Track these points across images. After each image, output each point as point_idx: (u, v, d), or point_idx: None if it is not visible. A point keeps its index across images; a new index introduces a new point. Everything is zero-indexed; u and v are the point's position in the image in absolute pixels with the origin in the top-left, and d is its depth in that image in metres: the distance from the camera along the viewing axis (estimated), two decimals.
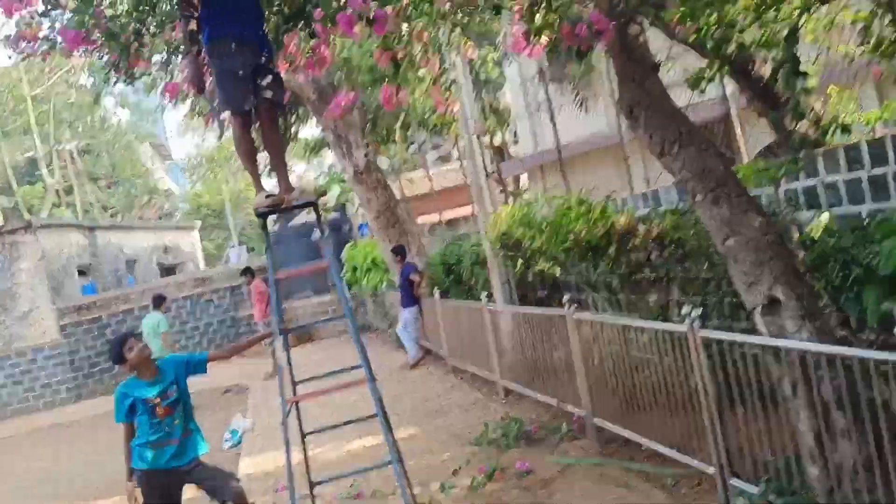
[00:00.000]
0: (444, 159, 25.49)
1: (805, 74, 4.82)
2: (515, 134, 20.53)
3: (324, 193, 5.64)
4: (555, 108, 12.85)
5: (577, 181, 11.83)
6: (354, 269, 17.41)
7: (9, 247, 17.75)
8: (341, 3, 4.45)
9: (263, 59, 4.76)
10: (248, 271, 14.73)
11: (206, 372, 4.74)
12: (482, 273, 9.23)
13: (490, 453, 6.17)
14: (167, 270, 24.83)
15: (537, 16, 5.40)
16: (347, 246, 18.13)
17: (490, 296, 8.52)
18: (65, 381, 17.37)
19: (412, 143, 16.80)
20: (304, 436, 5.02)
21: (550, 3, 4.93)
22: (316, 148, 16.56)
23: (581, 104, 12.72)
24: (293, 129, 15.10)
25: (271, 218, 6.26)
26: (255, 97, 4.67)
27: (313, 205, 4.97)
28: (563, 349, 6.27)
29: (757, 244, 3.66)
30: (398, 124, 12.49)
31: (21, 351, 17.53)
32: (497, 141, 21.06)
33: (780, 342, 3.51)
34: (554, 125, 10.40)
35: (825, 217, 4.45)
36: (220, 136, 16.65)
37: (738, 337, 3.87)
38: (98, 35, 4.46)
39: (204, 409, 10.60)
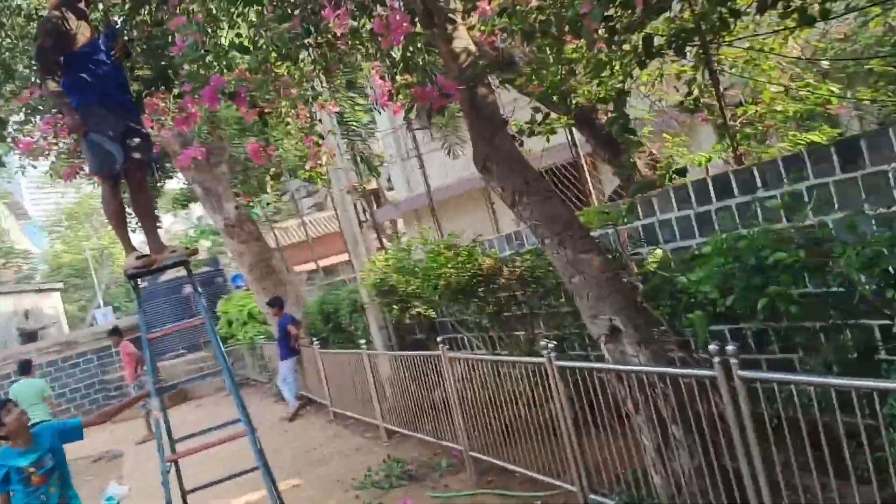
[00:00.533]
0: (319, 207, 25.56)
1: (633, 131, 5.40)
2: (389, 179, 20.96)
3: (195, 252, 5.66)
4: (423, 154, 13.32)
5: (449, 224, 12.28)
6: (230, 322, 17.15)
7: None
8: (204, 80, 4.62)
9: (130, 121, 4.87)
10: (115, 331, 14.25)
11: (82, 438, 4.69)
12: (360, 319, 9.44)
13: (374, 495, 6.33)
14: (29, 336, 23.40)
15: (397, 76, 5.79)
16: (222, 299, 17.84)
17: (369, 341, 8.72)
18: None
19: (285, 192, 16.84)
20: (185, 494, 5.02)
21: (408, 65, 5.32)
22: (184, 201, 16.31)
23: (448, 150, 13.26)
24: (160, 183, 14.84)
25: None
26: (123, 159, 4.76)
27: (185, 263, 5.06)
28: (440, 388, 6.56)
29: (598, 281, 4.10)
30: (269, 175, 12.56)
31: None
32: (372, 185, 21.41)
33: (621, 367, 3.94)
34: (423, 171, 10.80)
35: (658, 253, 4.98)
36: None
37: (587, 364, 4.29)
38: None
39: (77, 476, 10.11)
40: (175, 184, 16.93)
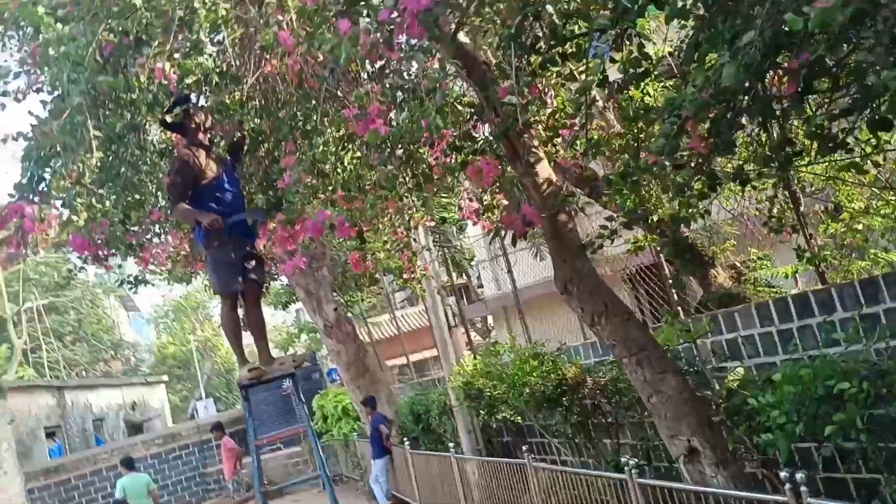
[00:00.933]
0: (411, 301, 26.23)
1: (684, 254, 5.60)
2: (479, 276, 21.48)
3: (302, 364, 6.10)
4: (511, 253, 13.76)
5: (535, 322, 12.51)
6: (325, 417, 17.61)
7: None
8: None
9: (249, 246, 5.47)
10: (218, 427, 14.93)
11: None
12: (449, 422, 9.69)
13: None
14: (135, 427, 24.60)
15: (485, 198, 6.25)
16: (318, 394, 18.40)
17: (458, 444, 8.95)
18: None
19: (380, 292, 17.56)
20: None
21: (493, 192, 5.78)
22: (286, 302, 17.23)
23: (536, 253, 13.64)
24: (267, 284, 15.76)
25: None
26: (242, 280, 5.35)
27: (292, 375, 5.53)
28: (527, 495, 6.71)
29: (675, 401, 4.29)
30: (367, 280, 13.22)
31: None
32: (461, 280, 21.98)
33: (700, 488, 4.07)
34: (511, 275, 11.17)
35: (739, 371, 5.11)
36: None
37: (667, 483, 4.43)
38: (101, 240, 5.08)
39: None
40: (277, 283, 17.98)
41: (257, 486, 5.21)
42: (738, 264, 7.06)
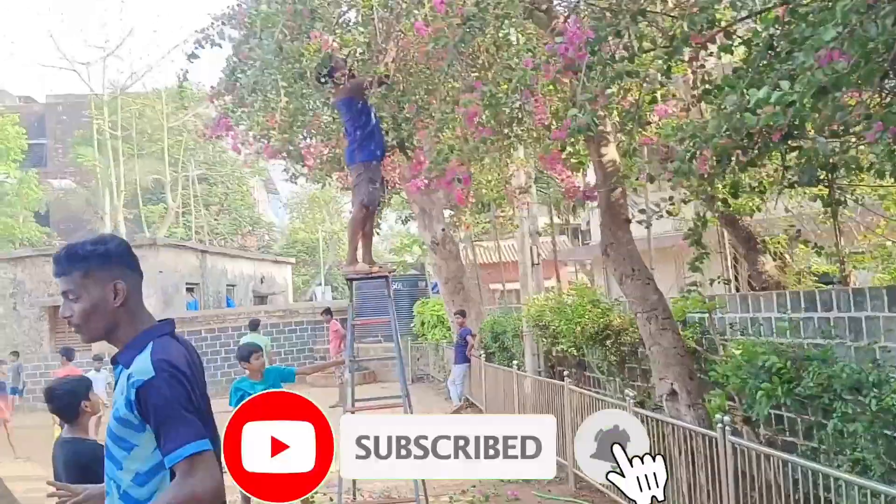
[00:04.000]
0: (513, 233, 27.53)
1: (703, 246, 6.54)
2: (588, 223, 22.49)
3: (393, 271, 7.35)
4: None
5: None
6: (423, 323, 19.54)
7: None
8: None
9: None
10: (328, 312, 16.98)
11: (294, 381, 6.83)
12: (520, 345, 11.14)
13: (492, 485, 8.00)
14: (260, 298, 27.59)
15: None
16: (420, 301, 20.30)
17: (522, 365, 10.40)
18: None
19: (488, 220, 18.97)
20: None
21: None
22: (407, 217, 18.88)
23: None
24: (388, 196, 17.46)
25: None
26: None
27: (386, 278, 7.07)
28: (563, 413, 8.11)
29: (668, 352, 5.52)
30: (472, 206, 14.64)
31: None
32: (579, 221, 23.08)
33: (673, 420, 5.33)
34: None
35: (738, 343, 6.21)
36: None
37: (655, 415, 5.70)
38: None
39: None
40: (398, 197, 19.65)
41: (348, 354, 6.84)
42: (787, 256, 7.94)
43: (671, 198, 7.36)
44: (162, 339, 2.23)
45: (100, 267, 2.22)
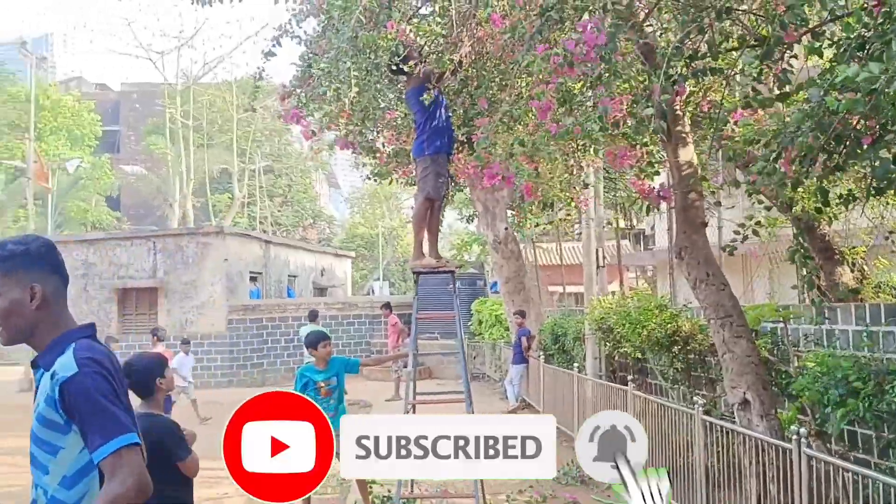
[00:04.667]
0: (577, 238, 27.23)
1: (812, 258, 6.30)
2: (653, 227, 22.10)
3: (460, 266, 7.32)
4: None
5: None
6: (480, 321, 19.49)
7: (201, 245, 21.17)
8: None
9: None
10: (387, 306, 17.06)
11: (358, 372, 6.85)
12: (580, 348, 11.00)
13: (550, 486, 7.90)
14: (320, 290, 27.94)
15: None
16: (478, 300, 20.25)
17: (583, 367, 10.25)
18: (221, 368, 20.39)
19: (550, 221, 18.82)
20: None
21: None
22: (471, 216, 18.88)
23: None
24: (452, 193, 17.47)
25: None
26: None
27: (452, 273, 7.03)
28: None
29: (741, 361, 5.34)
30: (538, 204, 14.51)
31: (192, 335, 20.73)
32: (642, 225, 22.72)
33: (744, 430, 5.15)
34: (671, 231, 12.03)
35: (818, 353, 5.97)
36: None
37: (724, 423, 5.52)
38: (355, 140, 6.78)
39: None
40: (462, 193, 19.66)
41: (412, 347, 6.82)
42: (866, 267, 7.62)
43: (751, 217, 7.16)
44: (83, 340, 2.19)
45: (19, 268, 2.17)
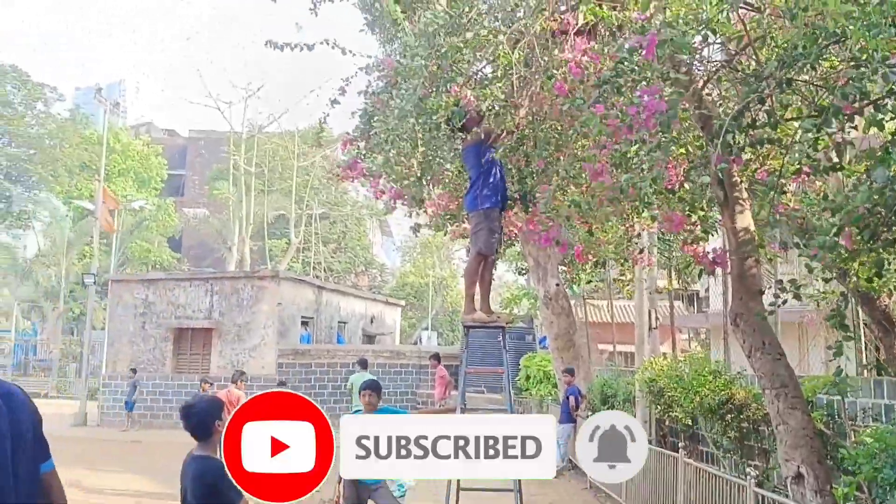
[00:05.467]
0: (631, 296, 26.93)
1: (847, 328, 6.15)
2: (708, 289, 21.79)
3: (512, 321, 7.32)
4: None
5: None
6: (528, 377, 19.34)
7: (256, 289, 21.62)
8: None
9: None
10: (436, 357, 17.06)
11: None
12: (630, 409, 10.82)
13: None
14: (369, 338, 28.12)
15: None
16: (526, 356, 20.12)
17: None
18: None
19: (603, 279, 18.71)
20: (458, 490, 6.96)
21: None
22: (523, 269, 18.96)
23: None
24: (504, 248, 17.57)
25: None
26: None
27: (502, 329, 7.08)
28: (671, 484, 7.80)
29: (796, 433, 5.22)
30: (592, 262, 14.49)
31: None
32: (696, 286, 22.40)
33: None
34: (724, 297, 11.88)
35: (873, 430, 5.80)
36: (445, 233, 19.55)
37: (779, 498, 5.39)
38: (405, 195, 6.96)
39: None
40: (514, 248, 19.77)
41: (459, 402, 6.85)
42: None
43: (793, 280, 7.05)
44: None
45: None
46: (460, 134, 6.38)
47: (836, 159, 5.43)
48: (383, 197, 7.32)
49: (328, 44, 6.59)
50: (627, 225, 9.52)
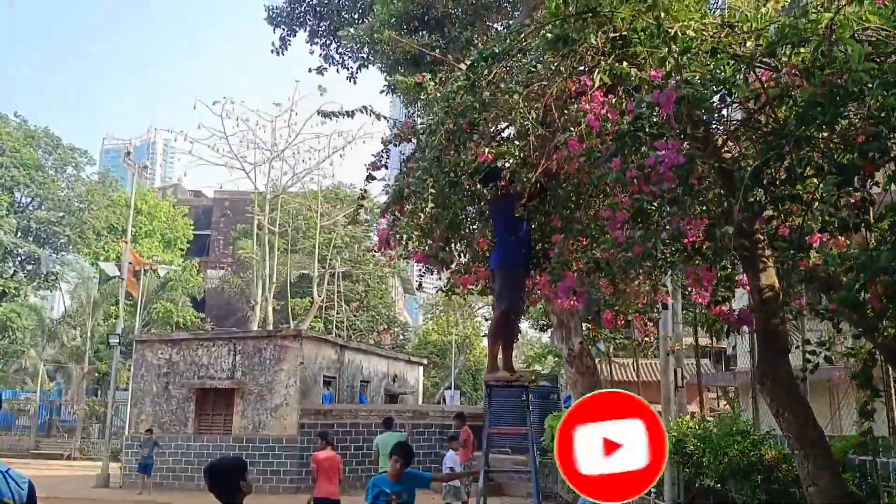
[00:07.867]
0: (655, 354, 26.59)
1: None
2: (735, 346, 21.44)
3: (535, 380, 7.29)
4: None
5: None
6: (553, 437, 19.00)
7: (279, 348, 21.60)
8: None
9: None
10: (460, 416, 16.84)
11: (430, 488, 6.79)
12: None
13: None
14: (391, 397, 27.90)
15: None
16: (552, 415, 19.81)
17: (660, 492, 9.84)
18: (290, 473, 20.33)
19: (628, 338, 18.52)
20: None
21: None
22: (546, 325, 18.83)
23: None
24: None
25: None
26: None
27: (525, 387, 7.01)
28: None
29: (827, 494, 5.07)
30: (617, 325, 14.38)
31: (265, 438, 20.90)
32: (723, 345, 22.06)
33: None
34: (752, 354, 11.68)
35: None
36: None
37: None
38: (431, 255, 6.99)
39: None
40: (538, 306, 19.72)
41: (483, 465, 6.74)
42: None
43: (822, 343, 6.92)
44: None
45: None
46: (488, 188, 6.44)
47: (859, 216, 5.40)
48: (399, 255, 7.35)
49: (366, 111, 6.76)
50: (650, 284, 9.45)
